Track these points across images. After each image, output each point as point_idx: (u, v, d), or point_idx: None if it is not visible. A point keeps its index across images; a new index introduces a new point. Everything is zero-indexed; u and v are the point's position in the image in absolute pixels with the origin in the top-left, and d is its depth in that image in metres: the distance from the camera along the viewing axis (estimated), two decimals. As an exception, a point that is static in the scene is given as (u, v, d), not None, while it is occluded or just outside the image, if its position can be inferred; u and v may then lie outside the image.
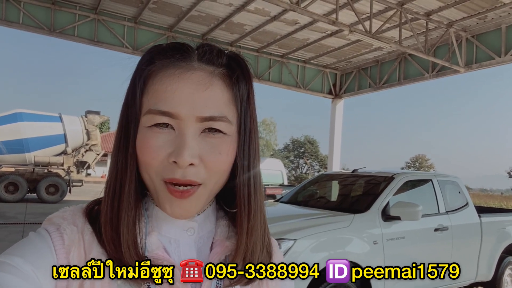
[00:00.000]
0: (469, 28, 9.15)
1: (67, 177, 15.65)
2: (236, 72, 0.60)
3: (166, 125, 0.56)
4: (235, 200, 0.62)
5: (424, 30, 8.95)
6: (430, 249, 4.47)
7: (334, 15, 7.91)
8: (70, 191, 15.64)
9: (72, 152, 16.36)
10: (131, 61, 0.61)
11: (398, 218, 4.10)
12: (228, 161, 0.58)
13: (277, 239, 3.53)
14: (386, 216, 4.12)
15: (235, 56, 0.61)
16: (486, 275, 5.06)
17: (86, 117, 16.76)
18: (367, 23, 8.08)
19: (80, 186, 16.41)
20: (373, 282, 3.77)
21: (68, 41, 9.62)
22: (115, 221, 0.57)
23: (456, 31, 9.14)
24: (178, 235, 0.62)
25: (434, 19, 8.78)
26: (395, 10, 8.29)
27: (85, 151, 16.86)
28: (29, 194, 15.11)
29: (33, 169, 15.15)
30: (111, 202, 0.57)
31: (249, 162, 0.61)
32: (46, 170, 15.45)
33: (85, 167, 16.93)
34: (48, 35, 9.21)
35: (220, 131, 0.57)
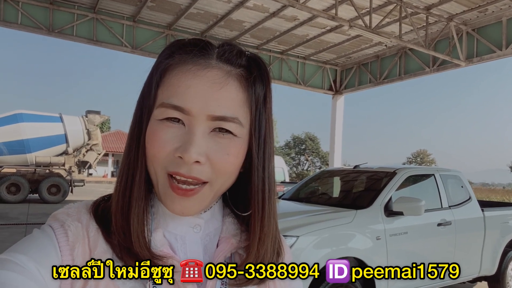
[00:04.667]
0: (469, 22, 9.10)
1: (68, 177, 15.69)
2: (254, 74, 0.59)
3: (177, 120, 0.55)
4: (246, 204, 0.62)
5: (424, 24, 8.90)
6: (433, 244, 4.46)
7: (333, 11, 7.87)
8: (72, 191, 15.69)
9: (73, 152, 16.40)
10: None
11: (401, 214, 4.09)
12: (236, 162, 0.57)
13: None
14: (389, 211, 4.11)
15: (255, 58, 0.60)
16: (490, 269, 5.05)
17: (86, 117, 16.78)
18: (366, 18, 8.04)
19: (82, 186, 16.46)
20: (376, 280, 3.76)
21: (67, 41, 9.61)
22: (126, 210, 0.57)
23: (457, 25, 9.09)
24: (184, 232, 0.62)
25: (434, 13, 8.73)
26: (395, 4, 8.25)
27: (86, 151, 16.88)
28: (31, 194, 15.16)
29: (35, 170, 15.19)
30: (123, 191, 0.58)
31: (264, 166, 0.60)
32: (47, 171, 15.49)
33: (86, 167, 16.96)
34: (47, 35, 9.18)
35: (230, 132, 0.56)
